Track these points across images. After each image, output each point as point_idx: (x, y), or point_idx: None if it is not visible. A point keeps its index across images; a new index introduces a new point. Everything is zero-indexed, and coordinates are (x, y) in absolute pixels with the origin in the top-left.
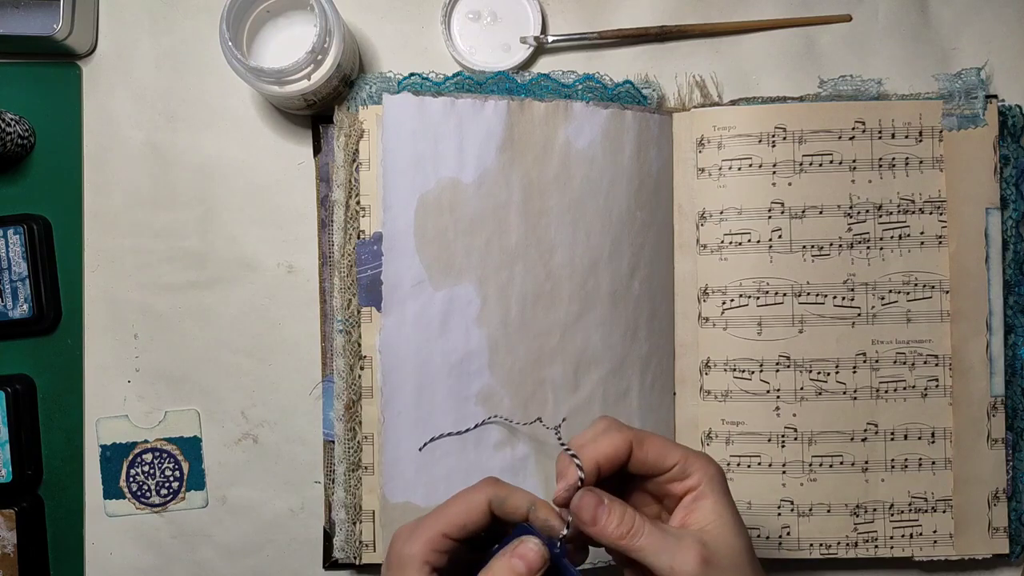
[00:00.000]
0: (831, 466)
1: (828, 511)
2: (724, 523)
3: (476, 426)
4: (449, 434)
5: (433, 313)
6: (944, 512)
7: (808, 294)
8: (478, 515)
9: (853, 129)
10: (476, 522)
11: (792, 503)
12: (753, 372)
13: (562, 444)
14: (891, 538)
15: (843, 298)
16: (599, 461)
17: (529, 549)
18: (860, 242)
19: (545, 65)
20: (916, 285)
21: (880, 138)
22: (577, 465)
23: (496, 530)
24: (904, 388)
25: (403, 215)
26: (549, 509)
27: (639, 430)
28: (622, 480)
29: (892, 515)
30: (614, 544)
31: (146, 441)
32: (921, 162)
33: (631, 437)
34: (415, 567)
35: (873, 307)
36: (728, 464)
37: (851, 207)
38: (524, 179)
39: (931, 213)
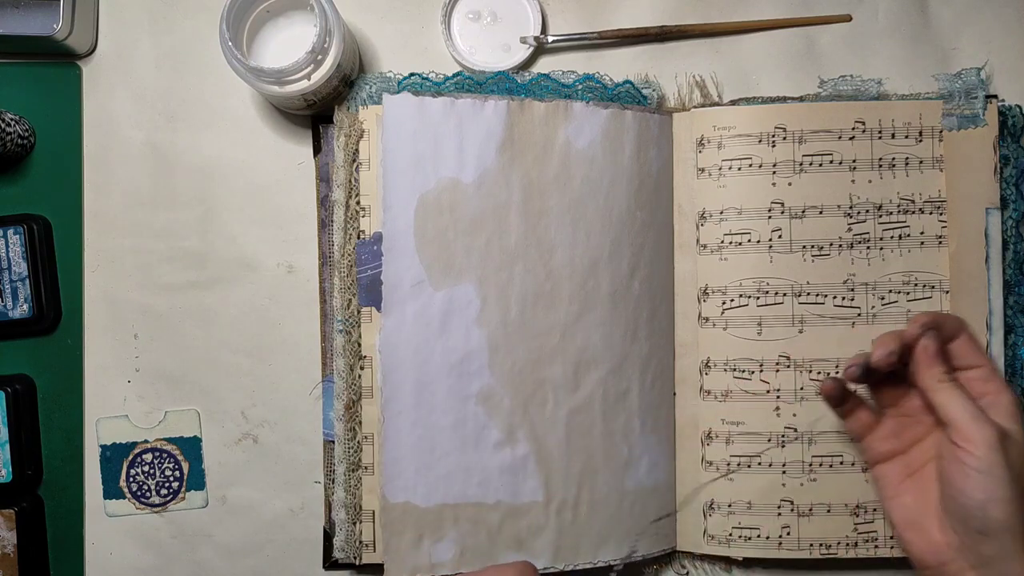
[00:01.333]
0: (831, 466)
1: (828, 511)
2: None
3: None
4: None
5: (433, 313)
6: None
7: (808, 294)
8: None
9: (853, 129)
10: None
11: (792, 503)
12: (753, 372)
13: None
14: (891, 538)
15: (843, 298)
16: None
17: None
18: (860, 242)
19: (545, 65)
20: (916, 285)
21: (880, 138)
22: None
23: None
24: None
25: (403, 215)
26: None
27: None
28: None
29: None
30: (935, 384)
31: (146, 441)
32: (921, 162)
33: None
34: None
35: (873, 307)
36: (728, 464)
37: (851, 207)
38: (524, 179)
39: (931, 213)
